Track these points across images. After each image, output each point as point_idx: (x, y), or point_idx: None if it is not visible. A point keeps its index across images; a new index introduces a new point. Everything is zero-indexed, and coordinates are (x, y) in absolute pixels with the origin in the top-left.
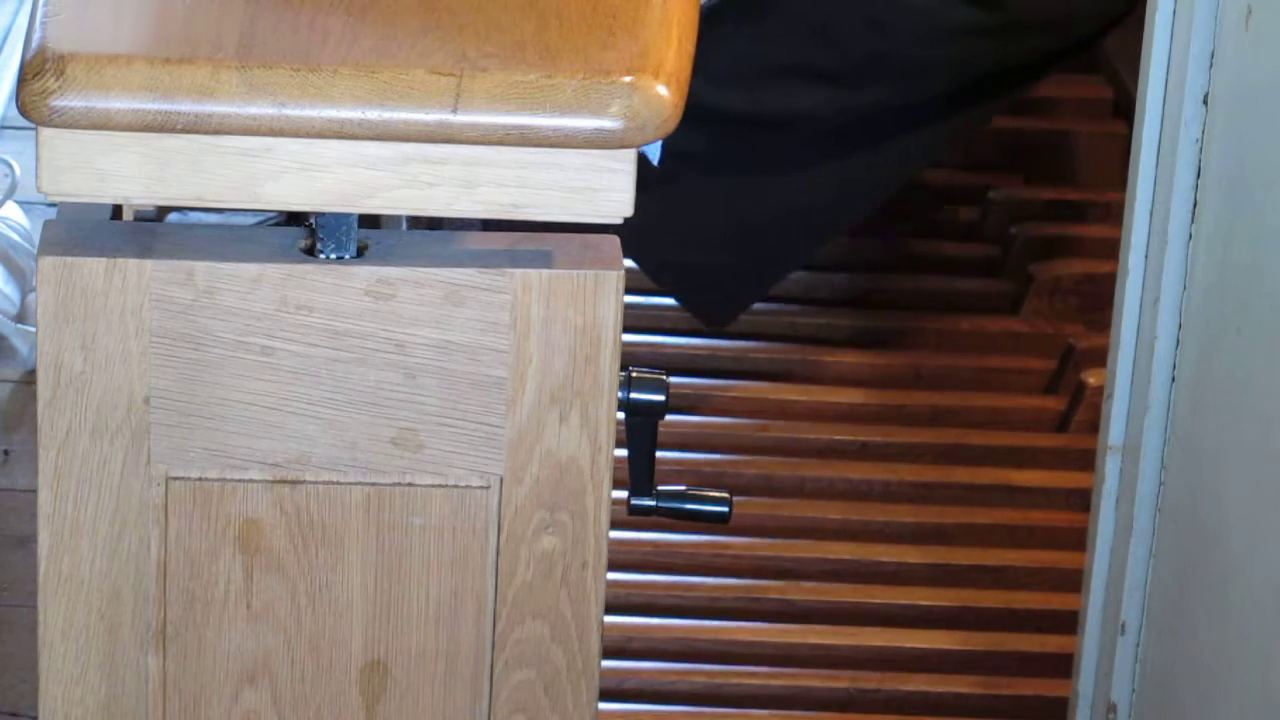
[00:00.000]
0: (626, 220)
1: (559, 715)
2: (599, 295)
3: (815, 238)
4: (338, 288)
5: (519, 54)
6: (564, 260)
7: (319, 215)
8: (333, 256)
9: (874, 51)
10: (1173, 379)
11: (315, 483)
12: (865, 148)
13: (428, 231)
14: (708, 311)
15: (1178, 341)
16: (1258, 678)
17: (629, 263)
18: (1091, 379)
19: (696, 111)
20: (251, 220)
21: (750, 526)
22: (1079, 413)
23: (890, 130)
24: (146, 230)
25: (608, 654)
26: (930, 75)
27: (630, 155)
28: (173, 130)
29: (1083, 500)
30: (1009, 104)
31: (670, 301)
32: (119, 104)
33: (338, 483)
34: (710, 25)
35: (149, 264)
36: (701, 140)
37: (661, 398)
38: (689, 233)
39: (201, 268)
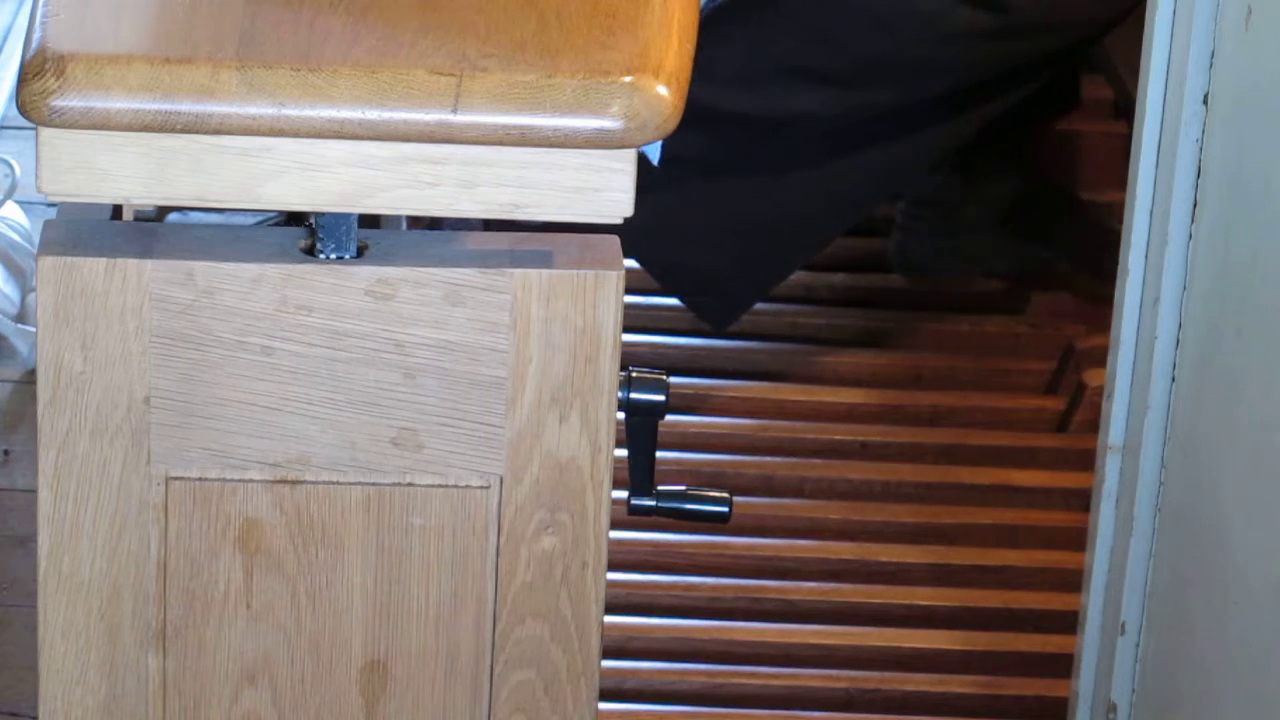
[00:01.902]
0: (630, 222)
1: (559, 715)
2: (599, 295)
3: (817, 237)
4: (338, 288)
5: (519, 54)
6: (564, 260)
7: (319, 215)
8: (333, 256)
9: (877, 53)
10: (1173, 379)
11: (315, 483)
12: (867, 148)
13: (428, 231)
14: (711, 313)
15: (1178, 341)
16: (1258, 678)
17: (630, 263)
18: (1091, 379)
19: (697, 113)
20: (251, 220)
21: (750, 526)
22: (1079, 413)
23: (892, 131)
24: (146, 230)
25: (608, 654)
26: (933, 77)
27: (630, 155)
28: (173, 130)
29: (1083, 500)
30: (1009, 105)
31: (670, 301)
32: (119, 104)
33: (338, 483)
34: (711, 26)
35: (149, 264)
36: (702, 142)
37: (661, 398)
38: (692, 234)
39: (201, 268)
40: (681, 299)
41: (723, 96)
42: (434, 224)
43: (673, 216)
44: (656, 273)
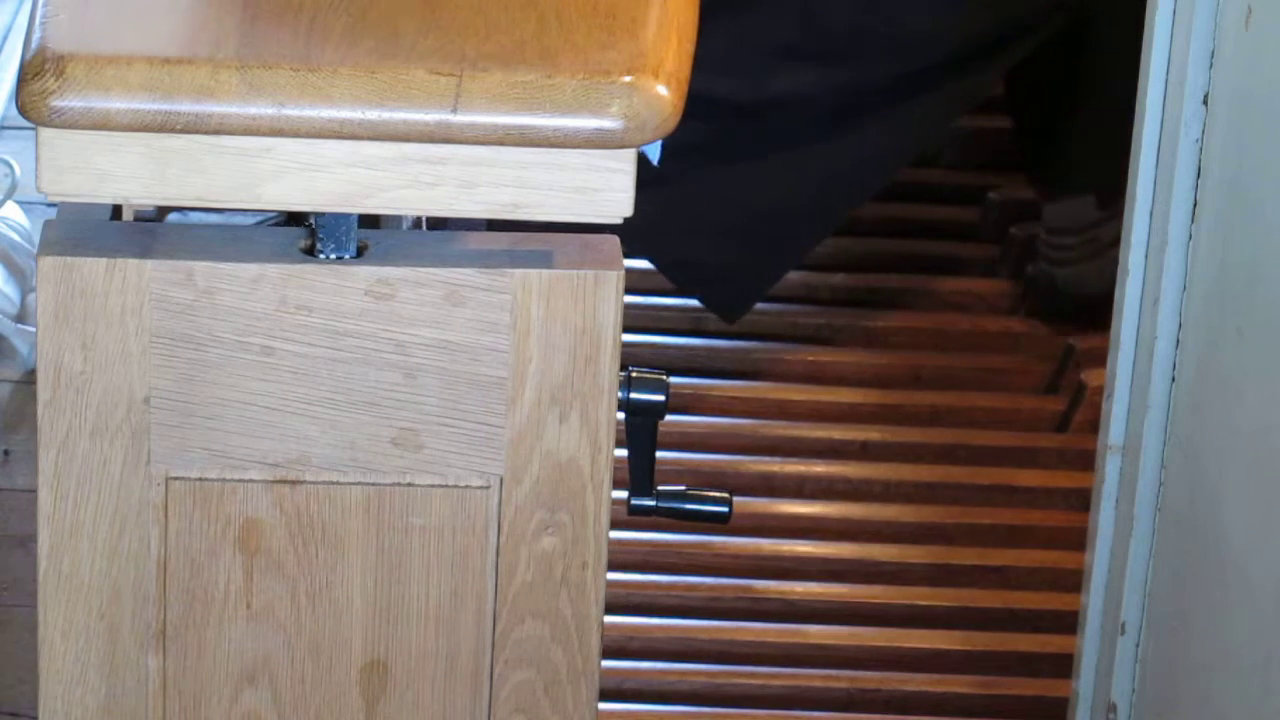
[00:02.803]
0: (638, 219)
1: (559, 715)
2: (599, 295)
3: (823, 222)
4: (338, 288)
5: (519, 54)
6: (564, 260)
7: (319, 215)
8: (333, 256)
9: (858, 28)
10: (1173, 379)
11: (315, 483)
12: (866, 125)
13: (427, 231)
14: (722, 305)
15: (1178, 341)
16: (1258, 678)
17: (640, 263)
18: (1091, 379)
19: (694, 102)
20: (251, 220)
21: (750, 526)
22: (1079, 413)
23: (889, 105)
24: (146, 230)
25: (608, 654)
26: (918, 48)
27: (630, 155)
28: (173, 130)
29: (1083, 500)
30: (998, 75)
31: (670, 301)
32: (119, 104)
33: (338, 483)
34: (702, 14)
35: (149, 264)
36: (701, 131)
37: (661, 398)
38: (696, 226)
39: (201, 268)
40: (694, 294)
41: (716, 84)
42: (441, 224)
43: (676, 210)
44: (667, 268)
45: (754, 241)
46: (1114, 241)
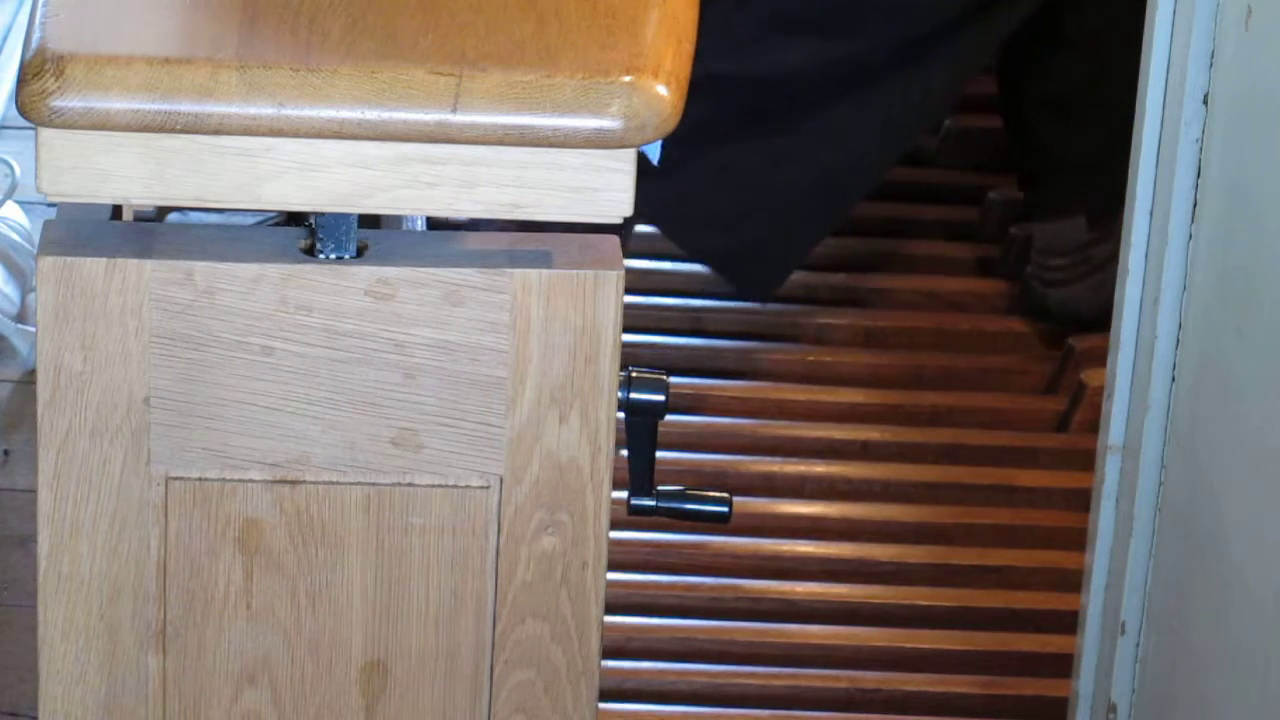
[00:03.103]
0: (654, 204)
1: (559, 715)
2: (599, 295)
3: (845, 194)
4: (338, 288)
5: (519, 54)
6: (564, 260)
7: (319, 215)
8: (333, 256)
9: None
10: (1173, 379)
11: (315, 483)
12: (873, 94)
13: (427, 231)
14: (750, 284)
15: (1178, 341)
16: (1257, 678)
17: (641, 263)
18: (1091, 379)
19: (698, 85)
20: (251, 220)
21: (750, 526)
22: (1079, 413)
23: (894, 71)
24: (146, 230)
25: (608, 654)
26: (908, 14)
27: (630, 155)
28: (172, 130)
29: (1083, 500)
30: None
31: (670, 301)
32: (118, 104)
33: (338, 483)
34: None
35: (149, 264)
36: (708, 113)
37: (661, 398)
38: (716, 207)
39: (201, 268)
40: (723, 275)
41: (716, 65)
42: (466, 225)
43: (696, 194)
44: (693, 252)
45: (775, 218)
46: (1106, 262)
